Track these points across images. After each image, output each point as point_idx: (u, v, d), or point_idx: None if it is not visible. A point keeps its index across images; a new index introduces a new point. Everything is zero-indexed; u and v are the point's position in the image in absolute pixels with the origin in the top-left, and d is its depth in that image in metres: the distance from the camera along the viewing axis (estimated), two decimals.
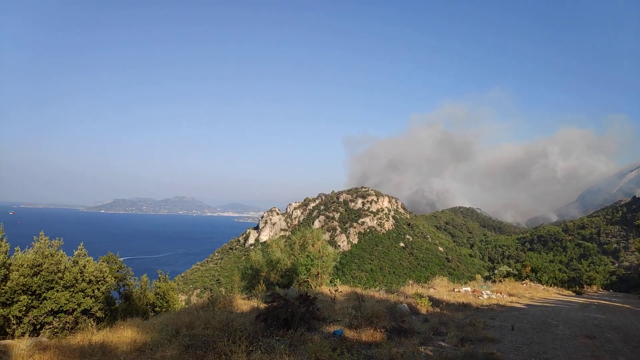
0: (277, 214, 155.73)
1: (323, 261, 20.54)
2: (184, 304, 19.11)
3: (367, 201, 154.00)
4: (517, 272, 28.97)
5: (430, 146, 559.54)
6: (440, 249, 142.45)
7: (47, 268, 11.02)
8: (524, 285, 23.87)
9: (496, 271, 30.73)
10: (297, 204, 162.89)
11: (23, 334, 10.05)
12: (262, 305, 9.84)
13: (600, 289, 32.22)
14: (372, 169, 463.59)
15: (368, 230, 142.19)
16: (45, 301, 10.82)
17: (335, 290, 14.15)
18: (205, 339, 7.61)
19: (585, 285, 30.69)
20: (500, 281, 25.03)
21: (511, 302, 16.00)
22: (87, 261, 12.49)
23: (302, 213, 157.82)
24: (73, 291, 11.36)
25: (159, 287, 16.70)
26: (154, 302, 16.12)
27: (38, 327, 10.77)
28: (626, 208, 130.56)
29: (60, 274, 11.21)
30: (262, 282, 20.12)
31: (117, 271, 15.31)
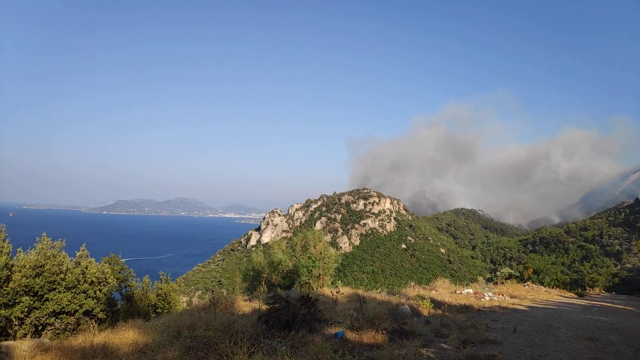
0: (279, 215, 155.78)
1: (325, 263, 20.53)
2: (185, 305, 19.13)
3: (369, 202, 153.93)
4: (519, 274, 28.88)
5: (433, 147, 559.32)
6: (442, 250, 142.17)
7: (50, 269, 11.04)
8: (526, 287, 23.80)
9: (498, 273, 30.65)
10: (299, 205, 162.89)
11: (25, 335, 10.07)
12: (264, 307, 9.85)
13: (603, 291, 32.08)
14: (374, 170, 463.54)
15: (370, 231, 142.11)
16: (47, 302, 10.84)
17: (337, 292, 14.14)
18: (207, 341, 7.61)
19: (587, 288, 30.54)
20: (502, 283, 24.97)
21: (513, 304, 15.96)
22: (89, 262, 12.51)
23: (303, 214, 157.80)
24: (75, 292, 11.38)
25: (161, 289, 16.73)
26: (155, 304, 16.15)
27: (40, 328, 10.79)
28: (629, 210, 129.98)
29: (62, 275, 11.23)
30: (263, 283, 20.11)
31: (119, 272, 15.34)
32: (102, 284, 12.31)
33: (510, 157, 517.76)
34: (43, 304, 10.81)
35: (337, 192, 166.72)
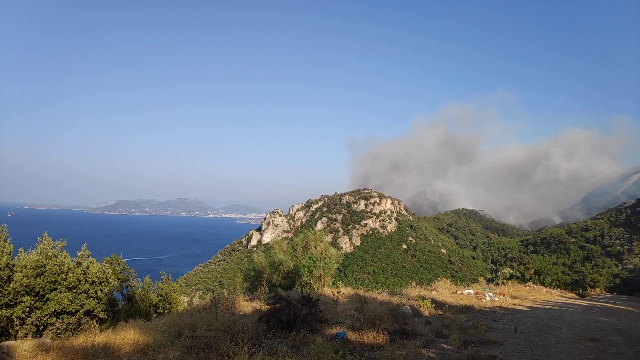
0: (280, 215, 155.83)
1: (325, 263, 20.54)
2: (186, 305, 19.13)
3: (370, 203, 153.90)
4: (520, 275, 28.85)
5: (433, 148, 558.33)
6: (443, 251, 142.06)
7: (51, 269, 11.05)
8: (527, 287, 23.79)
9: (499, 273, 30.63)
10: (300, 205, 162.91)
11: (26, 335, 10.08)
12: (265, 307, 9.85)
13: (604, 292, 32.03)
14: (375, 171, 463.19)
15: (371, 232, 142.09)
16: (48, 302, 10.85)
17: (338, 292, 14.13)
18: (208, 341, 7.62)
19: (588, 288, 30.50)
20: (503, 283, 24.95)
21: (514, 305, 15.95)
22: (91, 262, 12.52)
23: (304, 215, 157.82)
24: (76, 292, 11.38)
25: (162, 289, 16.72)
26: (156, 304, 16.14)
27: (41, 328, 10.80)
28: (630, 210, 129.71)
29: (63, 275, 11.24)
30: (264, 283, 20.13)
31: (120, 272, 15.35)
32: (103, 284, 12.32)
33: (511, 158, 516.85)
34: (44, 304, 10.82)
35: (338, 193, 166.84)
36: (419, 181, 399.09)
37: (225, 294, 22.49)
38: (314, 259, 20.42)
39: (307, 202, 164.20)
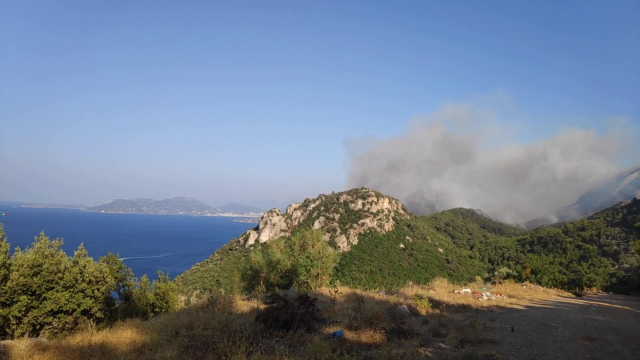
0: (277, 214, 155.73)
1: (323, 262, 20.54)
2: (183, 304, 19.11)
3: (367, 202, 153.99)
4: (517, 274, 28.96)
5: (431, 147, 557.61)
6: (440, 250, 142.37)
7: (47, 268, 11.02)
8: (524, 286, 23.86)
9: (496, 273, 30.71)
10: (297, 204, 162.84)
11: (23, 334, 10.05)
12: (262, 306, 9.84)
13: (600, 291, 32.18)
14: (372, 170, 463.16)
15: (368, 231, 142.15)
16: (45, 301, 10.82)
17: (335, 292, 14.15)
18: (205, 340, 7.62)
19: (585, 287, 30.66)
20: (500, 283, 25.03)
21: (511, 304, 15.99)
22: (87, 261, 12.49)
23: (302, 214, 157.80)
24: (73, 291, 11.36)
25: (159, 288, 16.70)
26: (153, 303, 16.13)
27: (38, 327, 10.77)
28: (626, 210, 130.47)
29: (60, 274, 11.22)
30: (261, 283, 20.14)
31: (117, 271, 15.32)
32: (100, 283, 12.29)
33: (508, 158, 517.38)
34: (41, 303, 10.79)
35: (336, 192, 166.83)
36: (417, 180, 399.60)
37: (223, 293, 22.47)
38: (311, 258, 20.43)
39: (305, 201, 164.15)
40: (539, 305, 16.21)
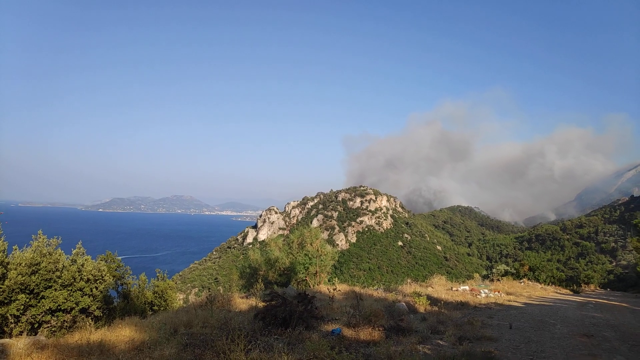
0: (276, 212, 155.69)
1: (321, 260, 20.56)
2: (182, 302, 19.11)
3: (366, 200, 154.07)
4: (515, 271, 29.02)
5: (429, 145, 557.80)
6: (439, 247, 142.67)
7: (45, 267, 11.00)
8: (522, 284, 23.92)
9: (494, 270, 30.79)
10: (296, 202, 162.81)
11: (21, 333, 10.04)
12: (261, 304, 9.85)
13: (598, 288, 32.32)
14: (370, 168, 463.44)
15: (366, 229, 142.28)
16: (43, 300, 10.81)
17: (334, 289, 14.16)
18: (204, 338, 7.62)
19: (582, 284, 30.75)
20: (498, 280, 25.08)
21: (509, 301, 16.04)
22: (86, 260, 12.47)
23: (300, 212, 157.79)
24: (71, 290, 11.34)
25: (157, 286, 16.70)
26: (152, 301, 16.12)
27: (36, 325, 10.76)
28: (624, 207, 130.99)
29: (58, 273, 11.20)
30: (260, 280, 20.13)
31: (115, 270, 15.30)
32: (98, 281, 12.28)
33: (506, 155, 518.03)
34: (39, 302, 10.78)
35: (334, 190, 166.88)
36: (415, 178, 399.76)
37: (221, 291, 22.49)
38: (309, 256, 20.44)
39: (303, 199, 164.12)
40: (537, 302, 16.26)
